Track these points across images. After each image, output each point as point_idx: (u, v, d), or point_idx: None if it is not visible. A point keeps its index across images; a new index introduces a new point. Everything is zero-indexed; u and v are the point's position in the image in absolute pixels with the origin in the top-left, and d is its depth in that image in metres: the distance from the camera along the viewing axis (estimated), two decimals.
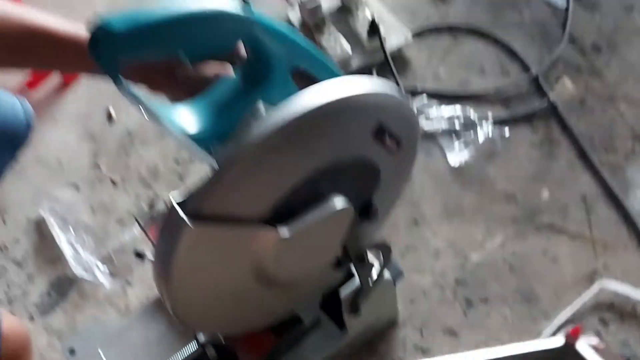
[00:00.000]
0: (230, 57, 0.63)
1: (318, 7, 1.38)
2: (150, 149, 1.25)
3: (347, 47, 1.34)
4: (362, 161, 0.65)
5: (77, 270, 1.08)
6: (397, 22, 1.39)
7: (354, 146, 0.63)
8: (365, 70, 1.35)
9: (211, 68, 0.64)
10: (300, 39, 0.64)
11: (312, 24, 1.39)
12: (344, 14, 1.43)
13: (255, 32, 0.58)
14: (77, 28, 0.60)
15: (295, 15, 1.44)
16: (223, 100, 0.63)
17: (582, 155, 1.20)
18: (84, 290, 1.09)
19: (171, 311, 0.61)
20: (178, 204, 0.54)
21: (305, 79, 0.64)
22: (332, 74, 0.67)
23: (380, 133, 0.64)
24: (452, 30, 1.43)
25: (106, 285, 1.07)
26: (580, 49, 1.36)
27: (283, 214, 0.60)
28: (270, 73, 0.63)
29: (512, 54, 1.37)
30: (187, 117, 0.61)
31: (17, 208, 1.19)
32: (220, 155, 0.58)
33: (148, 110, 0.56)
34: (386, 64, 1.33)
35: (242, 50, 0.63)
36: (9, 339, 0.66)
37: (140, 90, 0.56)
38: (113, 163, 1.25)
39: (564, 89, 1.23)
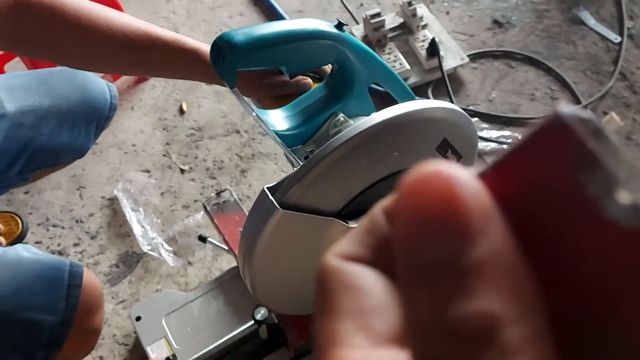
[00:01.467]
0: (319, 71, 0.73)
1: (381, 25, 1.46)
2: (217, 143, 1.35)
3: (405, 64, 1.42)
4: None
5: (144, 247, 1.18)
6: (455, 44, 1.47)
7: (419, 158, 0.71)
8: (421, 88, 1.43)
9: (300, 84, 0.73)
10: (380, 60, 0.73)
11: (375, 40, 1.48)
12: (405, 32, 1.51)
13: (345, 52, 0.67)
14: (188, 40, 0.70)
15: (359, 32, 1.53)
16: (308, 108, 0.73)
17: None
18: (149, 265, 1.19)
19: (249, 285, 0.70)
20: (269, 190, 0.63)
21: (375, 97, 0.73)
22: (406, 92, 0.76)
23: (444, 148, 0.72)
24: (507, 56, 1.50)
25: (169, 263, 1.17)
26: (630, 85, 1.41)
27: (353, 211, 0.69)
28: (351, 88, 0.72)
29: (563, 84, 1.43)
30: (278, 119, 0.71)
31: (94, 186, 1.30)
32: (304, 156, 0.67)
33: (250, 111, 0.65)
34: (442, 83, 1.40)
35: (329, 66, 0.72)
36: (87, 292, 0.75)
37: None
38: (182, 153, 1.35)
39: (610, 122, 1.28)
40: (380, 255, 0.17)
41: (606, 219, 0.13)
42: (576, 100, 1.39)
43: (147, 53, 0.70)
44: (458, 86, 1.44)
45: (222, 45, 0.58)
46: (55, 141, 0.89)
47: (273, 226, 0.62)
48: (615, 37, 1.49)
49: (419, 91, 1.41)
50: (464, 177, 0.14)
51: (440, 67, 1.38)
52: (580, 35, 1.52)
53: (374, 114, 0.66)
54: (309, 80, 0.78)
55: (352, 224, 0.68)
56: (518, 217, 0.15)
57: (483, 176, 0.15)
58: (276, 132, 0.69)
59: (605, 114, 1.34)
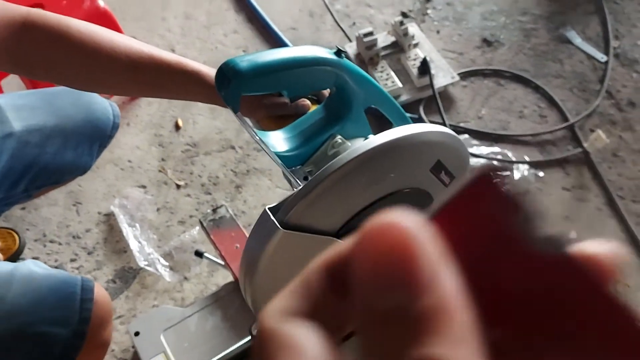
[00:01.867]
0: (318, 94, 0.75)
1: (374, 43, 1.50)
2: (212, 159, 1.37)
3: (397, 82, 1.46)
4: (420, 191, 0.76)
5: (141, 262, 1.20)
6: (446, 62, 1.50)
7: (414, 179, 0.74)
8: (413, 105, 1.46)
9: (299, 106, 0.76)
10: (377, 84, 0.75)
11: (367, 58, 1.51)
12: (397, 51, 1.54)
13: (344, 77, 0.70)
14: (190, 62, 0.72)
15: (352, 49, 1.56)
16: (307, 130, 0.75)
17: (611, 202, 1.28)
18: (145, 281, 1.20)
19: (249, 300, 0.71)
20: (270, 210, 0.65)
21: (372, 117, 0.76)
22: (401, 115, 0.78)
23: (437, 169, 0.74)
24: (497, 74, 1.54)
25: (166, 278, 1.18)
26: (616, 102, 1.46)
27: (351, 229, 0.71)
28: (349, 110, 0.75)
29: (551, 101, 1.47)
30: (278, 141, 0.73)
31: (90, 202, 1.31)
32: (303, 176, 0.69)
33: (252, 133, 0.68)
34: (433, 101, 1.43)
35: (327, 90, 0.75)
36: (98, 306, 0.76)
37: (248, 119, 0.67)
38: (178, 169, 1.37)
39: (597, 140, 1.32)
40: (318, 308, 0.17)
41: (533, 251, 0.16)
42: (564, 118, 1.43)
43: (151, 75, 0.71)
44: (449, 104, 1.47)
45: (227, 71, 0.61)
46: (60, 159, 0.90)
47: (274, 245, 0.65)
48: (601, 56, 1.53)
49: (411, 108, 1.44)
50: (416, 228, 0.16)
51: (431, 85, 1.41)
52: (567, 53, 1.56)
53: (371, 137, 0.69)
54: (308, 102, 0.80)
55: None
56: (464, 255, 0.17)
57: (433, 219, 0.18)
58: (276, 153, 0.71)
59: (592, 131, 1.38)
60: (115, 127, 0.99)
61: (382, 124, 0.78)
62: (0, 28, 0.68)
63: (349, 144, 0.77)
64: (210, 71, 0.70)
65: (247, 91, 0.63)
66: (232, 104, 0.62)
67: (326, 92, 0.77)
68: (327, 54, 0.67)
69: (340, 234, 0.70)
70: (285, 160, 0.73)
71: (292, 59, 0.64)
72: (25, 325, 0.69)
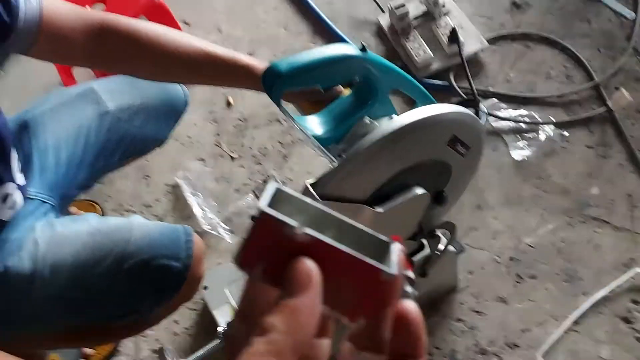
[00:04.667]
0: (349, 83, 0.88)
1: (406, 14, 1.58)
2: (260, 132, 1.52)
3: (428, 51, 1.55)
4: (439, 162, 0.88)
5: (205, 226, 1.37)
6: (475, 29, 1.57)
7: (434, 151, 0.86)
8: (444, 72, 1.55)
9: (333, 91, 0.89)
10: (399, 70, 0.87)
11: (400, 29, 1.60)
12: (428, 20, 1.62)
13: (369, 68, 0.82)
14: (241, 57, 0.84)
15: (385, 20, 1.65)
16: (339, 113, 0.88)
17: (632, 158, 1.36)
18: (209, 242, 1.38)
19: None
20: (311, 185, 0.80)
21: None
22: (423, 94, 0.90)
23: (453, 142, 0.86)
24: (525, 37, 1.60)
25: (227, 240, 1.35)
26: None
27: (380, 197, 0.85)
28: (375, 95, 0.87)
29: (578, 61, 1.53)
30: (314, 124, 0.87)
31: (157, 175, 1.50)
32: (337, 153, 0.82)
33: (291, 120, 0.81)
34: (463, 68, 1.52)
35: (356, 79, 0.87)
36: (197, 245, 0.96)
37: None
38: (231, 142, 1.53)
39: (621, 98, 1.38)
40: None
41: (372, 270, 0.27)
42: (590, 77, 1.49)
43: (208, 70, 0.85)
44: (478, 69, 1.55)
45: (271, 75, 0.74)
46: (145, 132, 1.09)
47: None
48: (629, 13, 1.57)
49: (442, 76, 1.54)
50: None
51: (460, 55, 1.49)
52: (595, 12, 1.60)
53: (395, 118, 0.81)
54: (341, 87, 0.93)
55: (378, 209, 0.84)
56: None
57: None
58: (314, 136, 0.85)
59: (617, 89, 1.44)
60: (186, 104, 1.15)
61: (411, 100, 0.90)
62: (81, 34, 0.82)
63: (377, 123, 0.90)
64: (259, 64, 0.81)
65: (288, 88, 0.76)
66: (276, 100, 0.76)
67: (356, 80, 0.89)
68: (353, 50, 0.79)
69: (369, 201, 0.84)
70: (321, 141, 0.86)
71: (323, 59, 0.77)
72: (150, 259, 0.90)
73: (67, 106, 1.05)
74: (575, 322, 1.20)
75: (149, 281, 0.92)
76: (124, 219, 0.96)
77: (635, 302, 1.21)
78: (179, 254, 0.92)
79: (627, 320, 1.20)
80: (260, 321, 0.25)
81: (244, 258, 0.28)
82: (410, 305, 0.28)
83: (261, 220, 0.27)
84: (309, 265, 0.26)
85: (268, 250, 0.27)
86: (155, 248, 0.91)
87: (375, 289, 0.27)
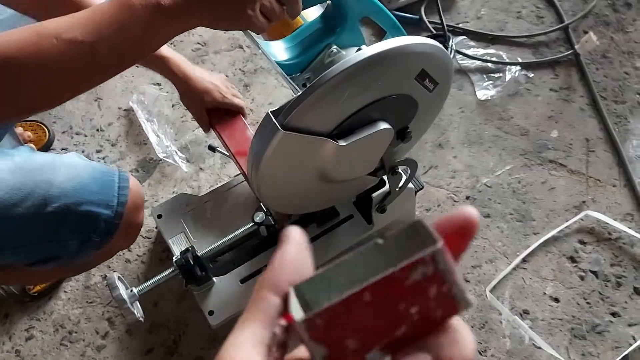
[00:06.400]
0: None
1: None
2: (221, 58, 1.45)
3: None
4: (406, 97, 0.86)
5: (160, 154, 1.32)
6: None
7: (401, 86, 0.83)
8: (415, 5, 1.50)
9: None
10: None
11: None
12: None
13: None
14: None
15: None
16: (306, 39, 0.84)
17: (594, 103, 1.37)
18: (165, 170, 1.34)
19: (256, 191, 0.85)
20: (272, 113, 0.76)
21: None
22: (393, 24, 0.86)
23: (422, 77, 0.84)
24: None
25: (183, 169, 1.31)
26: (612, 3, 1.49)
27: (343, 131, 0.82)
28: (344, 22, 0.83)
29: (549, 2, 1.50)
30: (279, 50, 0.82)
31: (110, 97, 1.42)
32: (301, 83, 0.79)
33: (255, 44, 0.77)
34: (434, 1, 1.47)
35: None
36: (133, 192, 0.91)
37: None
38: None
39: (588, 42, 1.37)
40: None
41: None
42: (560, 19, 1.47)
43: None
44: (450, 3, 1.51)
45: None
46: None
47: (275, 144, 0.76)
48: None
49: (413, 9, 1.49)
50: None
51: None
52: None
53: (363, 48, 0.77)
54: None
55: (342, 143, 0.82)
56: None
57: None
58: (277, 62, 0.81)
59: (586, 32, 1.43)
60: None
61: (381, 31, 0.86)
62: None
63: (344, 53, 0.86)
64: None
65: None
66: None
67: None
68: None
69: (333, 134, 0.81)
70: (286, 68, 0.82)
71: None
72: (73, 205, 0.83)
73: None
74: (524, 260, 1.24)
75: (73, 228, 0.85)
76: (55, 156, 0.88)
77: (582, 242, 1.25)
78: (110, 200, 0.87)
79: (573, 260, 1.24)
80: None
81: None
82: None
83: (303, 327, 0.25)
84: None
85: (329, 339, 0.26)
86: (82, 193, 0.84)
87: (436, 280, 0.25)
